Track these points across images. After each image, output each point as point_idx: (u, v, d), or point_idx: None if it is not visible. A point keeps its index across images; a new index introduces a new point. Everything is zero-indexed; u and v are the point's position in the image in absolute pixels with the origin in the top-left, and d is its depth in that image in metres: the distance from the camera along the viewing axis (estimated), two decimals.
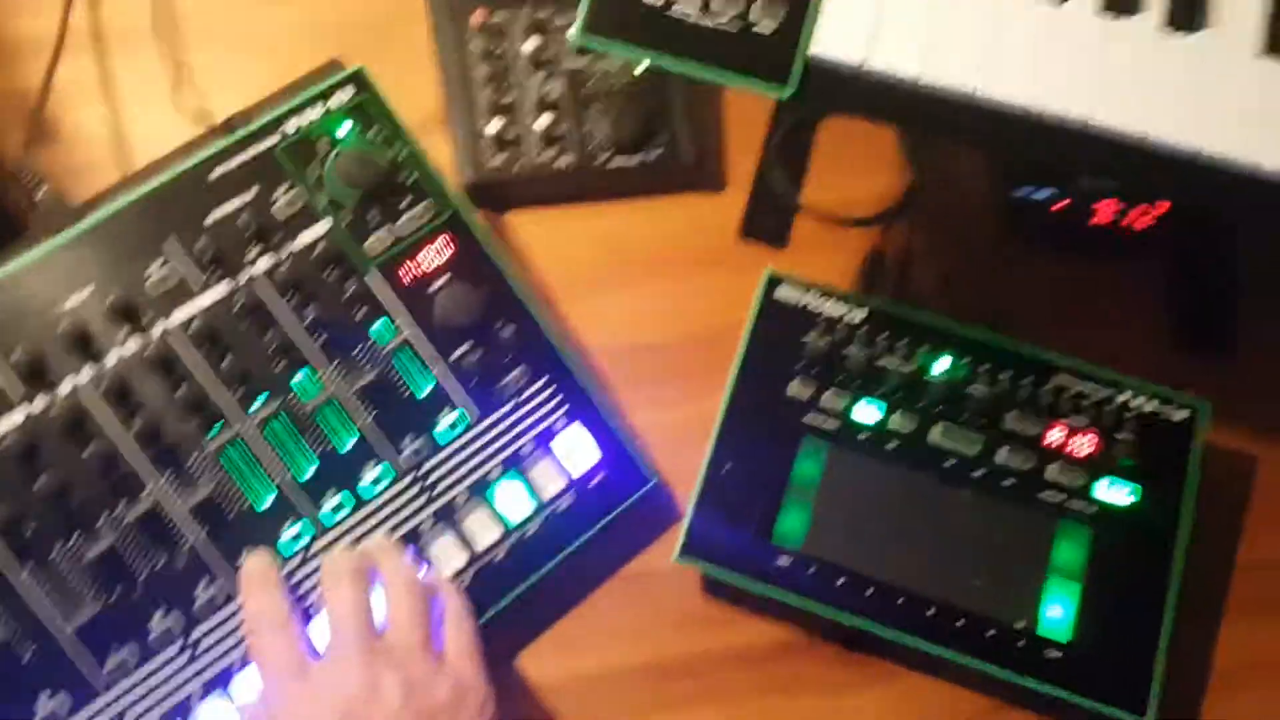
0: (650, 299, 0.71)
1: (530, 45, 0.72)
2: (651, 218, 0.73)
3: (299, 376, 0.60)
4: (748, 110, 0.74)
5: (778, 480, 0.62)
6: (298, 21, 0.73)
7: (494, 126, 0.71)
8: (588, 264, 0.71)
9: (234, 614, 0.57)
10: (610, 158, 0.72)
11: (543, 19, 0.72)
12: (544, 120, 0.72)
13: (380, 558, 0.58)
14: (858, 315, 0.65)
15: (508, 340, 0.64)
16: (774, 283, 0.66)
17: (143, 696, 0.56)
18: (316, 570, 0.58)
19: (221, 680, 0.57)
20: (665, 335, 0.70)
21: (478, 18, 0.72)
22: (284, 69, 0.70)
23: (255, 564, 0.58)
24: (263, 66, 0.70)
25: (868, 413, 0.64)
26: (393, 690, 0.52)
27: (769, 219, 0.73)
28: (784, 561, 0.61)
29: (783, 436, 0.63)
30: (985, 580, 0.61)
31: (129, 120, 0.70)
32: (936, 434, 0.63)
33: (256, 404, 0.59)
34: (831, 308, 0.65)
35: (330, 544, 0.59)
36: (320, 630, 0.56)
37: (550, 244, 0.72)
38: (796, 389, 0.64)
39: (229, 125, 0.63)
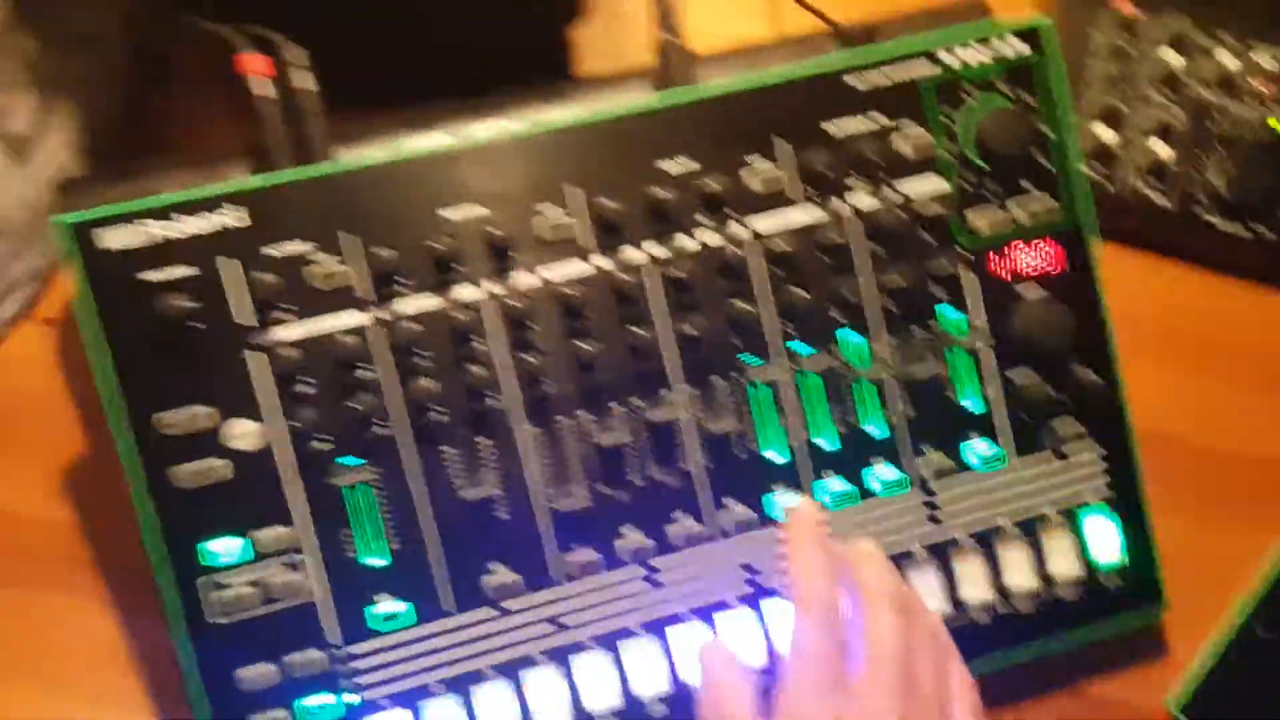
0: (1231, 400, 0.61)
1: (1168, 58, 0.62)
2: (1258, 307, 0.62)
3: (852, 340, 0.53)
4: None
5: None
6: None
7: (1094, 130, 0.62)
8: (1159, 330, 0.62)
9: (696, 558, 0.51)
10: (1215, 217, 0.62)
11: (1190, 36, 0.62)
12: (1154, 147, 0.62)
13: (862, 563, 0.48)
14: None
15: (1076, 384, 0.55)
16: None
17: (589, 605, 0.50)
18: None
19: (659, 622, 0.51)
20: (1239, 446, 0.61)
21: (1125, 6, 0.62)
22: None
23: (810, 512, 0.49)
24: None
25: None
26: None
27: None
28: None
29: None
30: None
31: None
32: None
33: (801, 352, 0.52)
34: None
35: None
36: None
37: (1119, 290, 0.63)
38: None
39: (868, 34, 0.55)
